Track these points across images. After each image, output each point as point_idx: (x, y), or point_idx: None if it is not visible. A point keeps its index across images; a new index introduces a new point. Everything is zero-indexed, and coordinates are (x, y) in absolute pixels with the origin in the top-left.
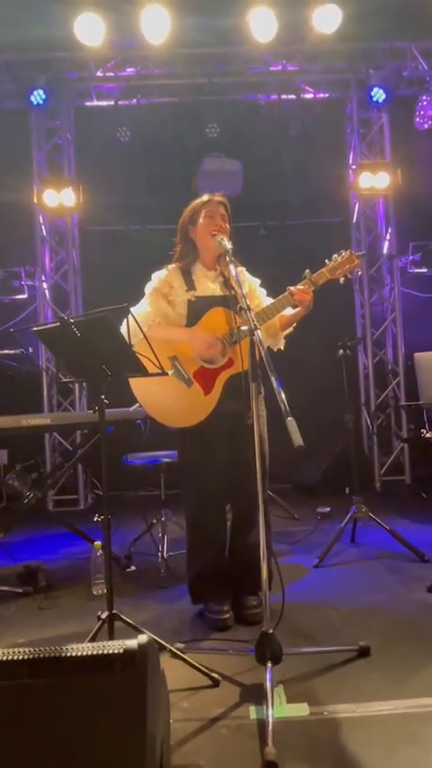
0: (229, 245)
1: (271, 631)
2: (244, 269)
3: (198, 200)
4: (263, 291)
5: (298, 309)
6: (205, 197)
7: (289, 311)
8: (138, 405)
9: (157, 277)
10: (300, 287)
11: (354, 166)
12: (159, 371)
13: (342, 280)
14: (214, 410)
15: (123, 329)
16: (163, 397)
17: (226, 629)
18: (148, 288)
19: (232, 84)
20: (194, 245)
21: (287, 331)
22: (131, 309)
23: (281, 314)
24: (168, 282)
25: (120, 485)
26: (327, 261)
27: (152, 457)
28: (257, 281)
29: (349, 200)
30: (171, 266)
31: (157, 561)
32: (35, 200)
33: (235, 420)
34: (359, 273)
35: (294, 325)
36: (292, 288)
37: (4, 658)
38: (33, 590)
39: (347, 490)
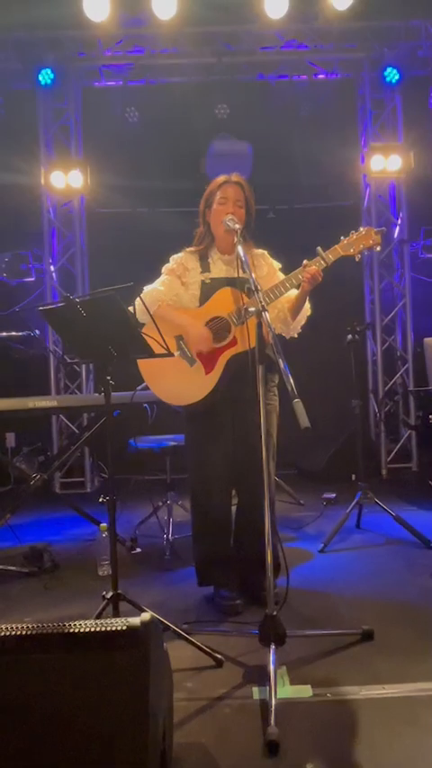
0: (236, 225)
1: (275, 614)
2: (266, 252)
3: (215, 182)
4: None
5: (302, 285)
6: (221, 178)
7: (294, 292)
8: (143, 385)
9: (174, 259)
10: (314, 267)
11: (365, 149)
12: (165, 353)
13: (358, 257)
14: (217, 390)
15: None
16: (166, 376)
17: (237, 614)
18: (165, 269)
19: (242, 63)
20: (210, 229)
21: (300, 318)
22: (145, 288)
23: (287, 296)
24: (183, 264)
25: (126, 468)
26: (342, 238)
27: (158, 440)
28: (279, 265)
29: (360, 183)
30: (189, 249)
31: (163, 544)
32: (42, 182)
33: (241, 405)
34: (378, 250)
35: (309, 310)
36: (307, 261)
37: (9, 633)
38: (39, 570)
39: (353, 477)
